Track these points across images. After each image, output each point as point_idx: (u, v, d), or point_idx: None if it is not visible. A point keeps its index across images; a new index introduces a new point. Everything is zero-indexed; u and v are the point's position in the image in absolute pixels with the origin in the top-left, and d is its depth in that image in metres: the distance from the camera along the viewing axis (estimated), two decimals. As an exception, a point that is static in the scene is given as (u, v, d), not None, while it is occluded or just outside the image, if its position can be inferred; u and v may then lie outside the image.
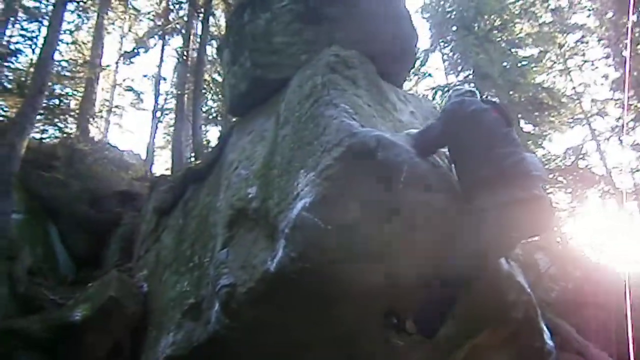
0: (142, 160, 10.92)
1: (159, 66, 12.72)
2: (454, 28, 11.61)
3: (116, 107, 22.51)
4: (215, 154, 5.06)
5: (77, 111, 9.94)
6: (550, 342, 4.03)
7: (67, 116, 9.38)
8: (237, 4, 5.25)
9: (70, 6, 10.12)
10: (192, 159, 8.12)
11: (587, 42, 19.61)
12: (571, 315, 9.18)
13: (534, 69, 17.96)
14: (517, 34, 15.42)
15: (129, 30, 19.17)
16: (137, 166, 10.35)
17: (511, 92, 10.26)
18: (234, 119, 5.42)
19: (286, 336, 3.48)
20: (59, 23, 7.76)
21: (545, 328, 4.02)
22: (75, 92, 9.84)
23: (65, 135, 8.88)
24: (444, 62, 13.18)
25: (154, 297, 5.01)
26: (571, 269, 10.15)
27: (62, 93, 9.15)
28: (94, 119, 10.77)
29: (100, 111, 13.38)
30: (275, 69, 4.11)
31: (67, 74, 9.45)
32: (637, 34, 14.83)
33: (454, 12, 12.44)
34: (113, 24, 14.45)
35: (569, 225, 19.84)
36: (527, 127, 13.97)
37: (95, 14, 12.46)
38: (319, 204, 2.91)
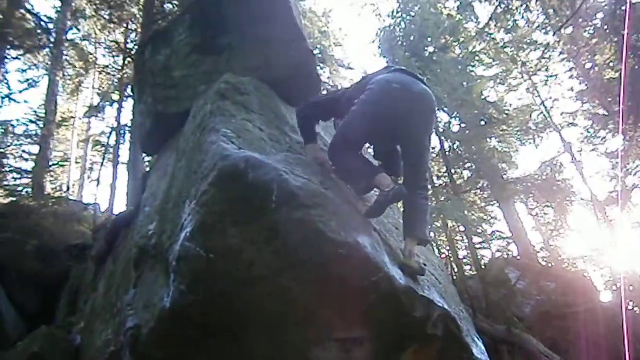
0: (96, 211, 10.77)
1: (118, 118, 12.73)
2: (406, 53, 11.78)
3: (91, 162, 22.63)
4: (139, 197, 5.00)
5: (32, 168, 9.89)
6: (481, 356, 3.87)
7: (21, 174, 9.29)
8: (139, 43, 5.26)
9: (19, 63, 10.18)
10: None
11: (549, 58, 20.05)
12: (546, 328, 9.03)
13: (501, 87, 18.28)
14: (474, 54, 15.70)
15: (94, 85, 19.42)
16: (97, 219, 10.21)
17: (462, 111, 10.37)
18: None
19: (199, 375, 3.32)
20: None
21: (475, 342, 3.87)
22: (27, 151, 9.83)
23: (16, 193, 8.77)
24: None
25: (85, 349, 4.84)
26: (543, 282, 10.04)
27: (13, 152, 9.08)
28: (47, 175, 10.68)
29: (63, 166, 13.24)
30: (175, 102, 4.09)
31: (19, 132, 9.43)
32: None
33: (402, 38, 12.70)
34: (70, 79, 14.54)
35: (555, 239, 19.86)
36: (493, 143, 14.08)
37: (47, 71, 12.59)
38: (199, 232, 2.82)
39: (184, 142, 3.69)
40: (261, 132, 3.43)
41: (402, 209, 3.42)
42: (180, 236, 2.92)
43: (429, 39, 12.17)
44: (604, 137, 18.82)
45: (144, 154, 8.58)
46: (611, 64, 15.32)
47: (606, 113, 17.80)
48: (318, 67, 4.51)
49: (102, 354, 4.15)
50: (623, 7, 11.96)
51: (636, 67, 11.41)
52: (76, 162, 24.11)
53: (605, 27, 13.38)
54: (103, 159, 14.53)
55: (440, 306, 3.38)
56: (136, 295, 3.63)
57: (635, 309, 13.95)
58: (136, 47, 7.87)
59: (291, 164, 2.96)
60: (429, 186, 3.50)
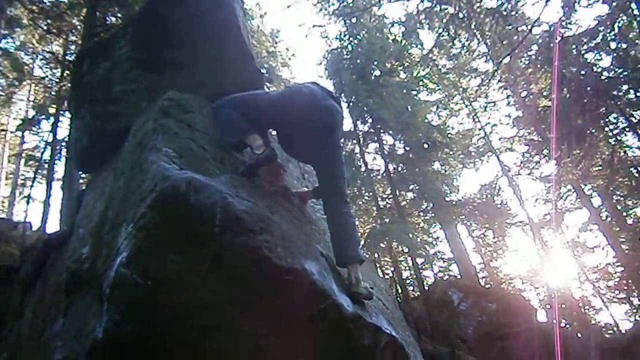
0: (26, 230, 10.13)
1: (54, 132, 12.11)
2: (353, 76, 11.94)
3: (23, 178, 21.40)
4: (73, 217, 4.70)
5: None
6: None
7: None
8: (76, 55, 5.02)
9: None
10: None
11: (488, 85, 20.93)
12: (488, 349, 9.20)
13: (443, 112, 18.87)
14: (419, 79, 16.16)
15: (29, 98, 18.50)
16: (26, 238, 9.58)
17: (407, 134, 10.59)
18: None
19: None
20: None
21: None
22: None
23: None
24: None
25: (9, 384, 4.46)
26: (485, 303, 10.27)
27: None
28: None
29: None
30: (115, 119, 3.88)
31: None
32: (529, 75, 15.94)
33: (349, 61, 12.89)
34: (2, 90, 13.77)
35: (494, 261, 20.54)
36: (436, 166, 14.46)
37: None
38: (135, 258, 2.64)
39: (123, 161, 3.49)
40: (205, 151, 3.30)
41: (330, 234, 3.30)
42: (116, 261, 2.72)
43: (376, 63, 12.39)
44: (539, 162, 19.75)
45: (79, 172, 8.16)
46: (545, 93, 16.14)
47: (541, 139, 18.68)
48: (265, 87, 4.42)
49: (27, 389, 3.84)
50: (556, 40, 12.68)
51: (567, 96, 12.05)
52: (6, 179, 22.81)
53: (540, 58, 14.09)
54: (35, 174, 13.71)
55: (388, 333, 3.32)
56: (65, 324, 3.37)
57: (568, 327, 14.54)
58: (73, 58, 7.51)
59: (236, 186, 2.84)
60: (350, 201, 3.47)
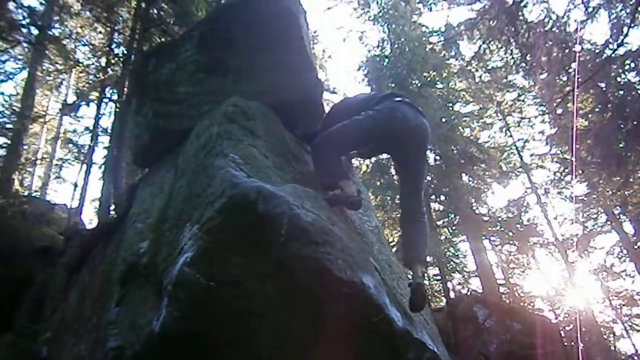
0: (71, 214, 10.42)
1: (96, 118, 12.41)
2: (391, 84, 11.99)
3: (60, 159, 21.88)
4: (125, 208, 4.85)
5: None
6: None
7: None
8: (142, 54, 5.18)
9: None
10: (113, 212, 7.81)
11: (523, 100, 20.70)
12: (510, 367, 9.14)
13: (476, 124, 18.72)
14: (456, 91, 16.09)
15: (71, 83, 18.96)
16: (65, 221, 9.87)
17: (442, 146, 10.57)
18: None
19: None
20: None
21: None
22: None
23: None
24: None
25: (52, 362, 4.63)
26: (509, 321, 10.20)
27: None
28: (19, 171, 10.29)
29: (34, 163, 12.76)
30: (177, 119, 4.01)
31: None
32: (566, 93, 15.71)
33: (389, 69, 12.91)
34: (49, 75, 14.17)
35: (515, 277, 20.28)
36: (465, 179, 14.38)
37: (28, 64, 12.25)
38: (201, 259, 2.74)
39: (185, 161, 3.62)
40: (266, 159, 3.40)
41: (402, 235, 3.64)
42: (180, 260, 2.83)
43: (417, 74, 12.40)
44: (570, 182, 19.43)
45: (124, 164, 8.39)
46: (582, 112, 15.89)
47: (574, 159, 18.37)
48: (323, 97, 4.52)
49: (73, 370, 3.99)
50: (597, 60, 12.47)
51: (608, 118, 11.84)
52: (42, 160, 23.38)
53: (579, 77, 13.87)
54: (76, 159, 14.05)
55: (431, 349, 3.39)
56: (120, 314, 3.50)
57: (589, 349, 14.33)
58: (138, 57, 7.69)
59: (301, 197, 2.93)
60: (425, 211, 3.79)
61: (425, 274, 3.76)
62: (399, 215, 4.10)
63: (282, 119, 3.98)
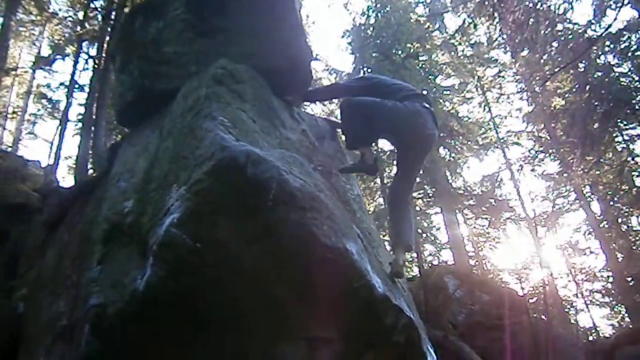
0: (46, 171, 10.22)
1: (72, 74, 12.05)
2: (375, 54, 11.93)
3: (33, 115, 21.30)
4: (106, 168, 4.80)
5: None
6: (434, 366, 4.03)
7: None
8: (129, 11, 5.04)
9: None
10: (92, 171, 7.70)
11: (503, 77, 20.85)
12: (478, 338, 9.46)
13: (456, 98, 18.84)
14: (438, 64, 16.08)
15: (45, 36, 18.30)
16: (39, 177, 9.69)
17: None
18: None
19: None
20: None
21: (429, 352, 4.03)
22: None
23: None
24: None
25: (29, 320, 4.62)
26: (478, 293, 10.52)
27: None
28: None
29: (5, 117, 12.40)
30: (163, 79, 3.95)
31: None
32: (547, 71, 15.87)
33: (373, 38, 12.82)
34: (23, 26, 13.66)
35: (486, 250, 20.79)
36: (443, 152, 14.55)
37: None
38: (188, 220, 2.77)
39: (171, 122, 3.58)
40: (254, 123, 3.39)
41: (390, 220, 3.80)
42: (166, 221, 2.85)
43: (402, 44, 12.33)
44: (543, 160, 19.83)
45: (103, 122, 8.22)
46: (559, 92, 16.11)
47: (549, 137, 18.73)
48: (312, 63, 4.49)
49: (51, 326, 3.99)
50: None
51: (582, 104, 12.02)
52: (13, 114, 22.72)
53: (559, 56, 13.99)
54: (50, 115, 13.69)
55: (407, 315, 3.51)
56: (102, 272, 3.50)
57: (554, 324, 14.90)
58: (123, 14, 7.44)
59: (289, 162, 2.95)
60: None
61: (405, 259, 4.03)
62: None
63: (269, 84, 3.95)
